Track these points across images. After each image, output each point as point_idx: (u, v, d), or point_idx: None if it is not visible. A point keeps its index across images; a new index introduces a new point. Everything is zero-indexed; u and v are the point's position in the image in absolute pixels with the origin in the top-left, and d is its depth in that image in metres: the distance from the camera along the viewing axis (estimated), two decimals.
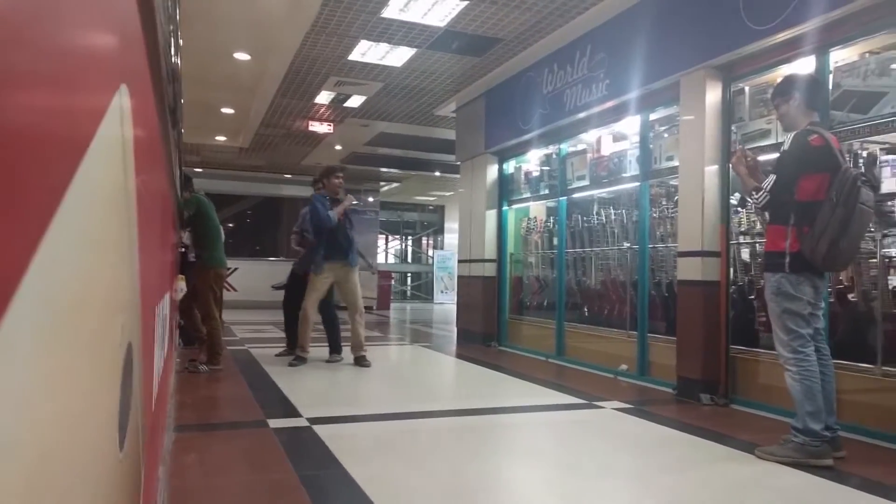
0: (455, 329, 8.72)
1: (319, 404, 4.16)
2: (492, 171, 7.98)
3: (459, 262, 8.62)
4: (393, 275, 19.39)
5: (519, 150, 7.59)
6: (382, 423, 3.69)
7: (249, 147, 11.74)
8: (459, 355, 6.96)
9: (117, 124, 0.75)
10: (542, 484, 2.77)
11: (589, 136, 6.45)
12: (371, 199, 17.76)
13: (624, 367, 5.71)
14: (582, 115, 6.02)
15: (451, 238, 20.77)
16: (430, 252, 21.33)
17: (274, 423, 3.56)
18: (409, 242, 21.91)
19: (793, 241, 3.12)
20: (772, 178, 3.17)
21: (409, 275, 21.83)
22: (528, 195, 7.57)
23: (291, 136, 10.78)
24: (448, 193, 18.64)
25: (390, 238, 21.53)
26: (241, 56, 6.97)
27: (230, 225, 17.93)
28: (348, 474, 2.70)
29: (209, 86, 8.10)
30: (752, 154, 3.43)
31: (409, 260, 21.97)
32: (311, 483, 2.60)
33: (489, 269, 7.92)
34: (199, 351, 5.43)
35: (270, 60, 7.00)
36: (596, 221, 6.52)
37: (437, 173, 14.20)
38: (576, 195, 6.71)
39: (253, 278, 14.38)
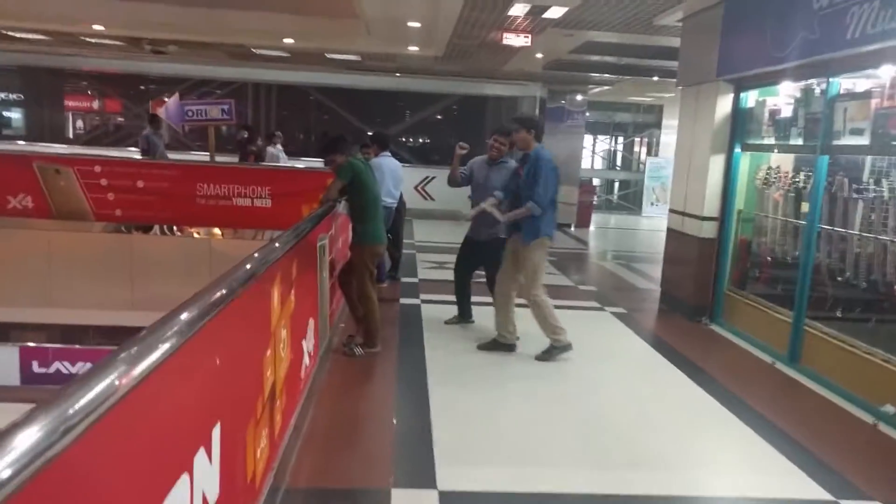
0: (657, 284, 7.41)
1: (467, 451, 3.42)
2: (723, 105, 6.20)
3: (671, 212, 7.13)
4: (597, 186, 17.88)
5: (764, 80, 5.72)
6: None
7: (444, 56, 10.82)
8: (658, 341, 5.76)
9: None
10: None
11: (877, 74, 4.49)
12: (579, 98, 16.13)
13: (891, 408, 4.15)
14: (873, 47, 4.12)
15: (668, 139, 18.44)
16: (643, 157, 19.20)
17: (398, 497, 2.89)
18: (620, 146, 19.88)
19: None
20: None
21: (616, 182, 20.01)
22: (771, 140, 5.76)
23: (486, 47, 9.62)
24: (668, 95, 16.23)
25: (598, 139, 19.70)
26: None
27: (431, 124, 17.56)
28: None
29: (390, 1, 7.21)
30: None
31: (618, 166, 20.06)
32: None
33: (708, 230, 6.38)
34: (358, 328, 4.96)
35: None
36: (873, 194, 4.69)
37: (655, 78, 12.14)
38: (844, 154, 4.88)
39: (450, 188, 14.00)
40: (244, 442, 2.18)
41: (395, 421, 3.74)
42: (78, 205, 9.52)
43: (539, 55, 10.40)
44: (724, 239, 6.34)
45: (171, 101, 9.98)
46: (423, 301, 6.61)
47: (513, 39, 8.44)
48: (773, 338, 5.47)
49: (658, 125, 18.60)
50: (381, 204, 4.78)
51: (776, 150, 5.71)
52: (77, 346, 10.51)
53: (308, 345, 3.70)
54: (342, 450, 3.34)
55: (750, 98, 6.08)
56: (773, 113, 5.71)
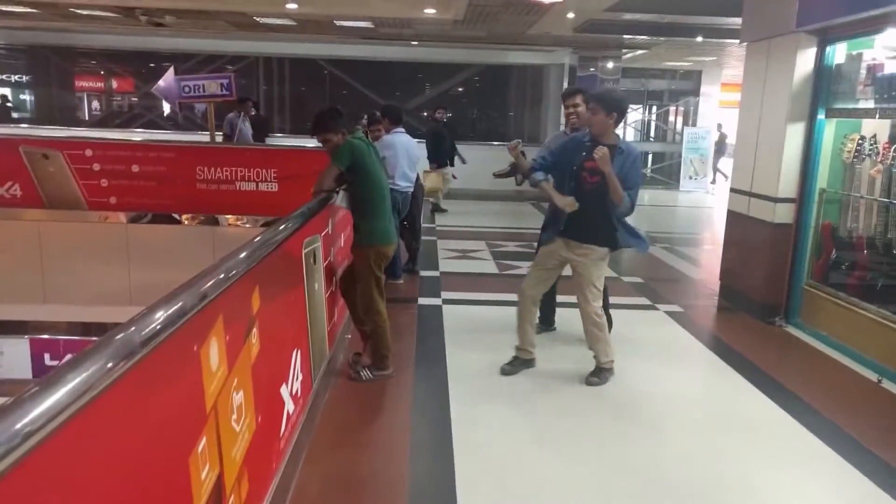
0: (710, 272, 6.42)
1: None
2: (804, 61, 5.12)
3: (732, 191, 6.09)
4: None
5: (860, 29, 4.64)
6: None
7: (464, 19, 9.74)
8: (727, 351, 4.77)
9: None
10: None
11: None
12: (611, 65, 15.05)
13: None
14: None
15: (706, 107, 17.20)
16: (679, 128, 17.94)
17: None
18: (654, 116, 18.60)
19: None
20: None
21: (650, 154, 18.74)
22: (869, 104, 4.69)
23: (511, 6, 8.54)
24: (708, 59, 14.95)
25: (630, 109, 18.42)
26: None
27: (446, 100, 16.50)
28: None
29: None
30: None
31: (652, 137, 18.79)
32: None
33: (782, 214, 5.35)
34: (365, 346, 4.08)
35: None
36: None
37: (699, 38, 10.93)
38: None
39: (473, 164, 13.02)
40: None
41: (407, 481, 2.86)
42: (69, 192, 8.72)
43: (570, 15, 9.28)
44: (804, 224, 5.31)
45: (166, 77, 9.10)
46: (445, 301, 5.71)
47: None
48: (873, 344, 4.47)
49: (696, 92, 17.32)
50: (388, 194, 3.84)
51: (878, 116, 4.63)
52: (92, 338, 9.88)
53: (293, 387, 2.81)
54: None
55: (838, 53, 5.00)
56: (873, 69, 4.63)
